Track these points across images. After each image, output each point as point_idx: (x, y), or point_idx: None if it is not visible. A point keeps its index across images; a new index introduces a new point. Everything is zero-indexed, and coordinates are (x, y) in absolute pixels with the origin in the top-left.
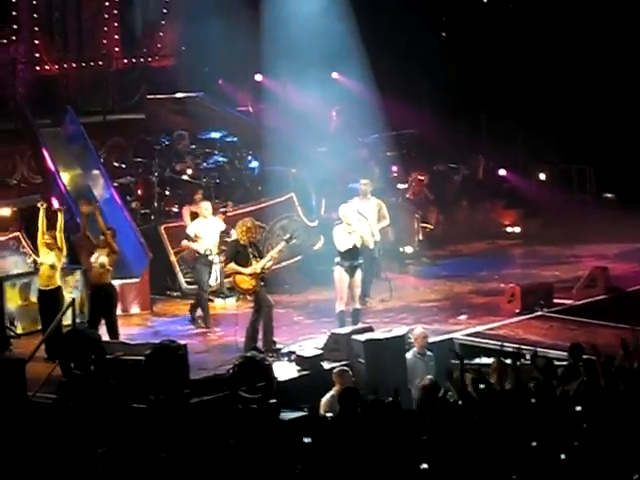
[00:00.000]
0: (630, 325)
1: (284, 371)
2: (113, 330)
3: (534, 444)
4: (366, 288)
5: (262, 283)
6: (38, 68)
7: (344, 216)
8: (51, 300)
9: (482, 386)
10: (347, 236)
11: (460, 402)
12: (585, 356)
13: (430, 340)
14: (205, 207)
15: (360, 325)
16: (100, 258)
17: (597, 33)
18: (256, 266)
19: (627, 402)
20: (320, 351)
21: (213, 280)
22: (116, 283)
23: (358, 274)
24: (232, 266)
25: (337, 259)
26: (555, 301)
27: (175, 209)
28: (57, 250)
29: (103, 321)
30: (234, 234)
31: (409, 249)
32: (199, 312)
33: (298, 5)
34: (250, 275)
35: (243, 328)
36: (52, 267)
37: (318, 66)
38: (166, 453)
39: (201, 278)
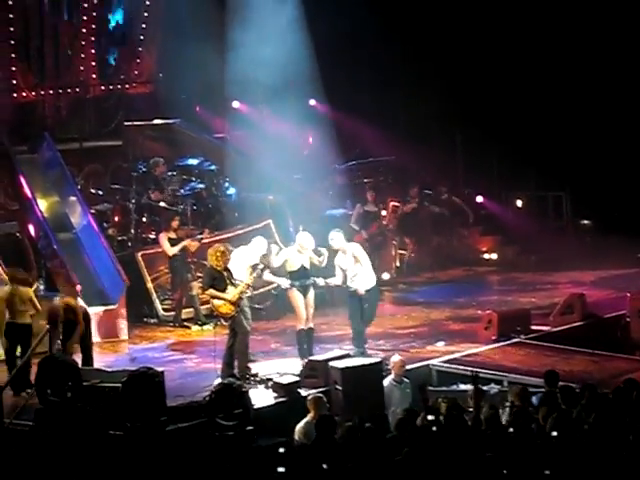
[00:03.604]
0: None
1: (261, 398)
2: (87, 356)
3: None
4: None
5: (239, 309)
6: (15, 95)
7: (300, 242)
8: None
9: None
10: (296, 257)
11: (434, 428)
12: (561, 383)
13: (407, 367)
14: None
15: (337, 352)
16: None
17: (571, 60)
18: (235, 292)
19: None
20: (297, 378)
21: None
22: (93, 310)
23: (311, 293)
24: (211, 292)
25: (290, 281)
26: (532, 328)
27: (152, 236)
28: None
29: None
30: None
31: (386, 276)
32: None
33: (277, 34)
34: (230, 300)
35: (220, 355)
36: None
37: (295, 93)
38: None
39: None
